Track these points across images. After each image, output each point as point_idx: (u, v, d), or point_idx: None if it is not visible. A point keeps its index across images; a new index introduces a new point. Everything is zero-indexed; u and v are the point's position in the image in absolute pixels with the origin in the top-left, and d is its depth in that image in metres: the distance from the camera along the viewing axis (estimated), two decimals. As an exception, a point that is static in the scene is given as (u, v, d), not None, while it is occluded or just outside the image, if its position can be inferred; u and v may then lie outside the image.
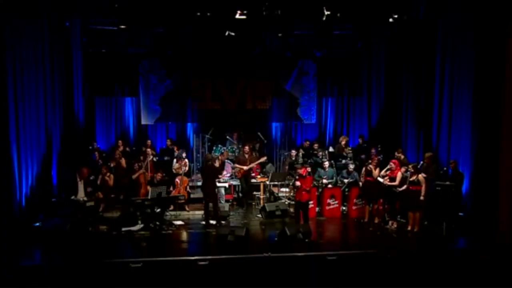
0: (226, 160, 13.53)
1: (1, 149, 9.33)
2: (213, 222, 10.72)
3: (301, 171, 10.29)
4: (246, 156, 12.39)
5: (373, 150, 12.30)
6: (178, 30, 13.32)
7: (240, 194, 13.18)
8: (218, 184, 11.74)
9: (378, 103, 14.81)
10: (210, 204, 10.81)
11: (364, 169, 11.11)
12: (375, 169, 10.81)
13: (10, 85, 9.62)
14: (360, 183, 11.52)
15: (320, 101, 15.42)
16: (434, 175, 10.74)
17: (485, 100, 10.04)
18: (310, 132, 15.52)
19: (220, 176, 11.70)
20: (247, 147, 12.58)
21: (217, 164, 11.18)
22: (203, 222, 10.84)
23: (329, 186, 11.74)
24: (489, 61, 9.88)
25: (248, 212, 12.05)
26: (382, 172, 10.64)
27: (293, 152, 13.31)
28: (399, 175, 10.37)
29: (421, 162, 11.06)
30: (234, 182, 13.00)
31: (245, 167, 12.21)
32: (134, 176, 11.55)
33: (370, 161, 11.16)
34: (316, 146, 13.95)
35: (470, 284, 8.42)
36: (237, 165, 12.49)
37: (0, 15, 9.27)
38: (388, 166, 10.59)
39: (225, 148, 14.24)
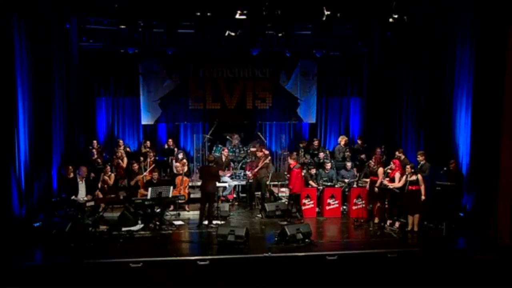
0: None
1: (2, 149, 9.32)
2: (205, 222, 10.72)
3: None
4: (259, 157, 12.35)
5: (378, 150, 12.30)
6: (178, 30, 13.31)
7: (241, 195, 13.16)
8: (219, 184, 11.75)
9: (378, 103, 14.81)
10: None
11: (368, 169, 11.11)
12: (378, 168, 10.81)
13: (19, 87, 9.73)
14: (355, 182, 11.54)
15: (320, 101, 15.41)
16: (427, 173, 10.74)
17: (485, 100, 10.03)
18: (310, 132, 15.51)
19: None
20: (256, 148, 12.54)
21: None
22: (205, 222, 10.86)
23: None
24: (489, 61, 9.87)
25: (249, 212, 12.04)
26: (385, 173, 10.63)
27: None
28: (397, 175, 10.35)
29: (421, 163, 11.07)
30: (235, 182, 12.98)
31: (255, 169, 12.19)
32: (132, 182, 11.66)
33: (370, 161, 11.17)
34: (316, 144, 13.94)
35: (470, 284, 8.44)
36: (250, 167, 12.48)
37: (3, 14, 9.26)
38: (390, 166, 10.58)
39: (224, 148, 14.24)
